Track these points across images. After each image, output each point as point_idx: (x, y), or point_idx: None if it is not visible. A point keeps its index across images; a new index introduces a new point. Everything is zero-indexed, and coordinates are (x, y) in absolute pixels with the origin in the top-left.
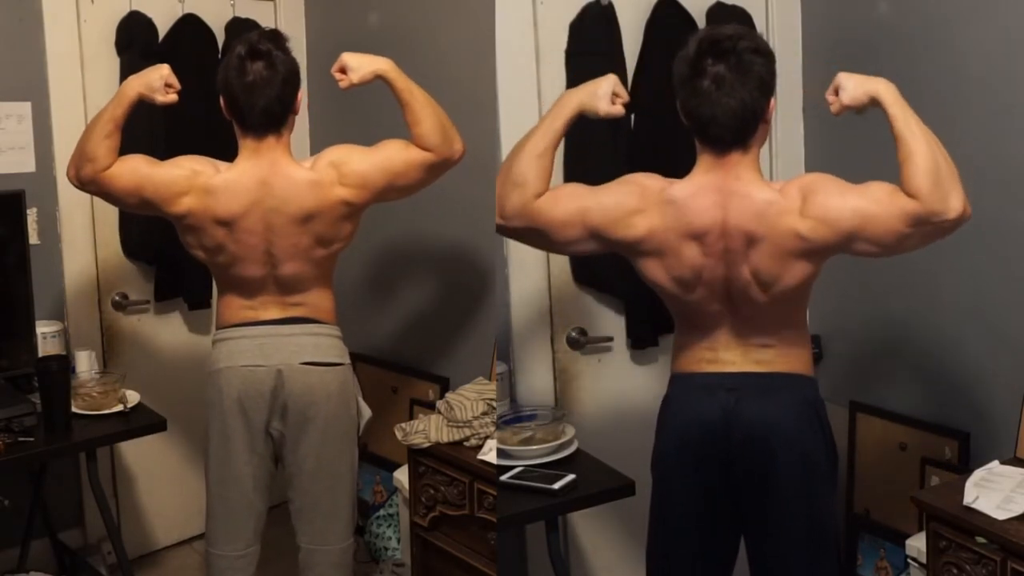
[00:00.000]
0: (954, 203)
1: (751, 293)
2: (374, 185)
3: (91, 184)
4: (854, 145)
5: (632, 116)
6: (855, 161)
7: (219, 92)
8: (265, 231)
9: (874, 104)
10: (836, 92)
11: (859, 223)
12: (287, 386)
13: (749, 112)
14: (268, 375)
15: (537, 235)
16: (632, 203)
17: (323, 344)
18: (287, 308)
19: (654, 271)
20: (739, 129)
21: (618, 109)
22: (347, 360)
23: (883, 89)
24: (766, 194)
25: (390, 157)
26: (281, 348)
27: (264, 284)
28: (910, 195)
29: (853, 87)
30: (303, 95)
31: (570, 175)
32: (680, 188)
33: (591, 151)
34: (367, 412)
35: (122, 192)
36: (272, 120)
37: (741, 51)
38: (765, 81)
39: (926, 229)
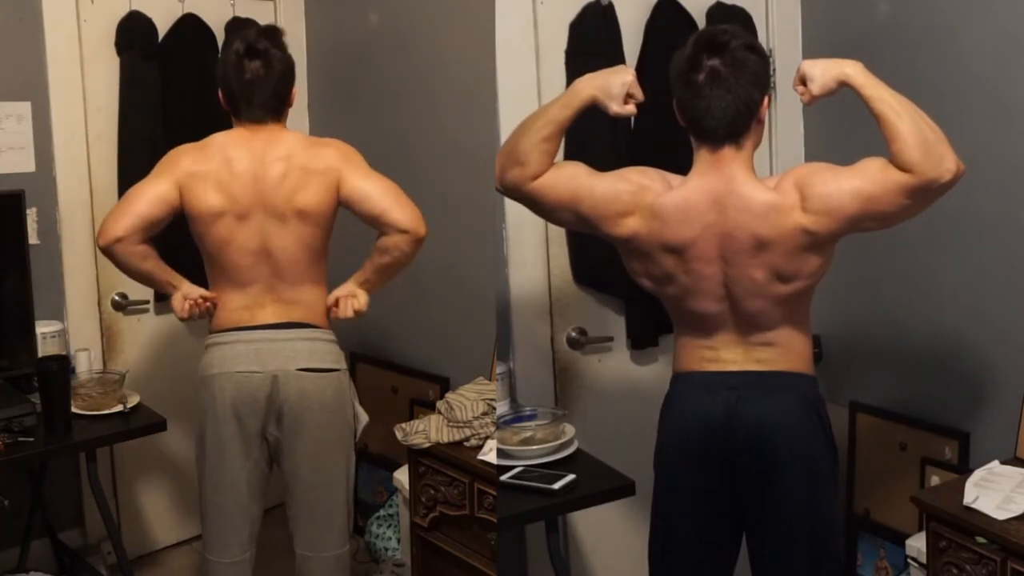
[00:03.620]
0: (948, 165)
1: (766, 290)
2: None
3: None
4: (854, 145)
5: (632, 115)
6: (855, 161)
7: (218, 85)
8: (261, 225)
9: (845, 87)
10: (803, 82)
11: (860, 206)
12: (282, 392)
13: (743, 106)
14: (264, 381)
15: (531, 207)
16: (623, 204)
17: (319, 350)
18: (281, 308)
19: (634, 266)
20: (733, 122)
21: (630, 110)
22: (343, 365)
23: (851, 71)
24: (764, 195)
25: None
26: (277, 354)
27: (259, 280)
28: (903, 170)
29: (821, 74)
30: (297, 90)
31: None
32: (671, 196)
33: (591, 150)
34: (364, 417)
35: (158, 206)
36: (269, 113)
37: (735, 48)
38: (759, 77)
39: (926, 196)
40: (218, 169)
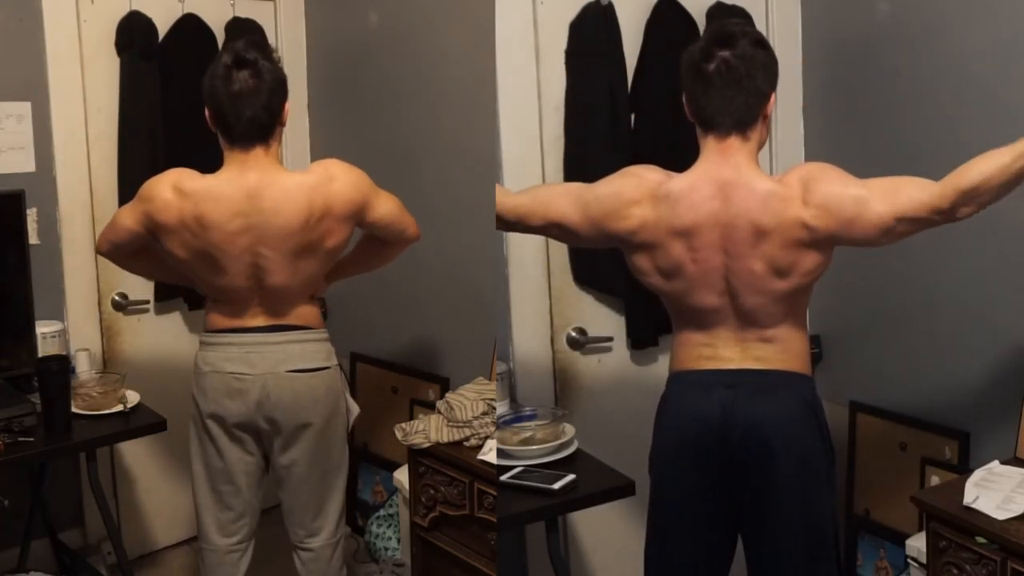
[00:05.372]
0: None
1: (764, 284)
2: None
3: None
4: (853, 145)
5: (632, 116)
6: (854, 161)
7: (204, 102)
8: (251, 243)
9: None
10: None
11: (859, 212)
12: (273, 396)
13: (752, 97)
14: (254, 384)
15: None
16: (629, 194)
17: (309, 350)
18: (274, 316)
19: (640, 263)
20: (741, 112)
21: None
22: (334, 361)
23: None
24: (767, 184)
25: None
26: (267, 356)
27: (250, 297)
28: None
29: None
30: (290, 105)
31: (570, 176)
32: (677, 182)
33: (591, 150)
34: (355, 409)
35: (130, 238)
36: (259, 131)
37: (746, 42)
38: (769, 72)
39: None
40: (191, 228)
